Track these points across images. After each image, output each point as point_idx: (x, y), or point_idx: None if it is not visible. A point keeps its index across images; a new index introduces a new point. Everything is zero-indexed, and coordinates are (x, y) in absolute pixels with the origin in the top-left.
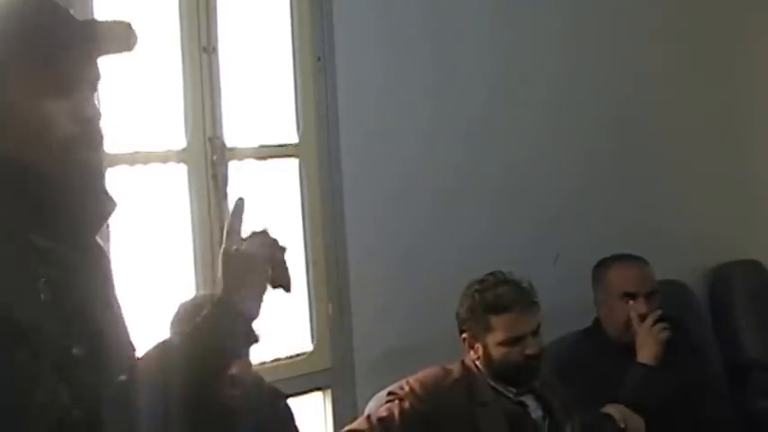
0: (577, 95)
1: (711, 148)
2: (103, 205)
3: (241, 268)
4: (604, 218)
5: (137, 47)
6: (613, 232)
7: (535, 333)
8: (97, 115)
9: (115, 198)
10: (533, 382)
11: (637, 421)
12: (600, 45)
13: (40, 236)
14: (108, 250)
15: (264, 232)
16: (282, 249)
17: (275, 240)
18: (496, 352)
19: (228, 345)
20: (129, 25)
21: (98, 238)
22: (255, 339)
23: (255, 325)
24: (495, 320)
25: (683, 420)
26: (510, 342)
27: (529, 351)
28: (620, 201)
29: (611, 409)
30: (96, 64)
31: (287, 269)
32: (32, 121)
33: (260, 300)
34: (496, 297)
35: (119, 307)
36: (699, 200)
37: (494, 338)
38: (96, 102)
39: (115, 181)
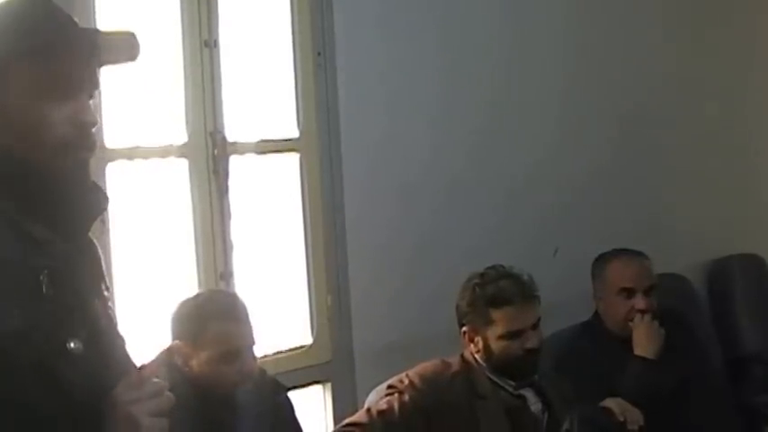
0: (578, 91)
1: (712, 142)
2: (97, 200)
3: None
4: (604, 211)
5: (139, 57)
6: (613, 226)
7: (535, 327)
8: (93, 121)
9: (108, 194)
10: (533, 376)
11: (636, 414)
12: (603, 42)
13: (38, 228)
14: (106, 244)
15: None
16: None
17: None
18: (496, 345)
19: None
20: (132, 35)
21: (91, 234)
22: None
23: None
24: (496, 314)
25: (682, 414)
26: (510, 335)
27: (529, 345)
28: (620, 194)
29: (610, 402)
30: (96, 72)
31: None
32: (30, 121)
33: None
34: (497, 290)
35: (109, 301)
36: (699, 193)
37: (494, 332)
38: (93, 108)
39: (116, 175)
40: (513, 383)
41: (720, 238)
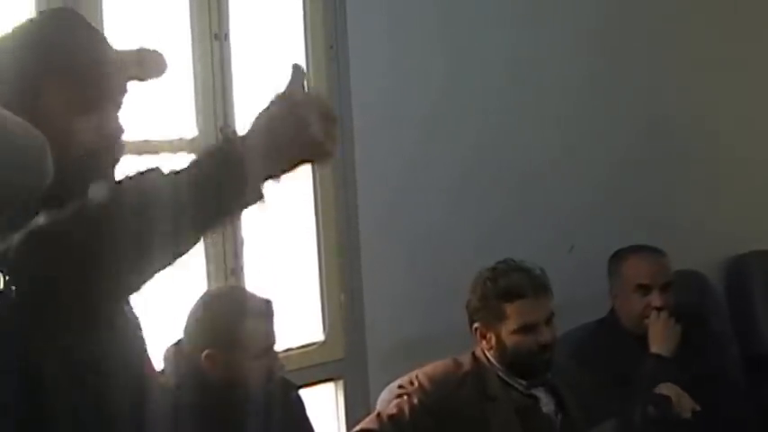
0: (596, 85)
1: (730, 138)
2: None
3: (267, 124)
4: (621, 208)
5: (166, 74)
6: (630, 222)
7: (548, 321)
8: (120, 131)
9: None
10: (546, 375)
11: (689, 401)
12: (622, 39)
13: None
14: None
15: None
16: (333, 119)
17: (326, 108)
18: (510, 341)
19: (226, 191)
20: (160, 54)
21: None
22: (259, 197)
23: (263, 184)
24: (509, 308)
25: (700, 411)
26: (524, 329)
27: (542, 340)
28: (636, 190)
29: (667, 390)
30: (125, 84)
31: (326, 143)
32: (58, 132)
33: (281, 160)
34: (509, 284)
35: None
36: (717, 189)
37: (507, 327)
38: (120, 118)
39: (126, 170)
40: (524, 383)
41: (738, 234)
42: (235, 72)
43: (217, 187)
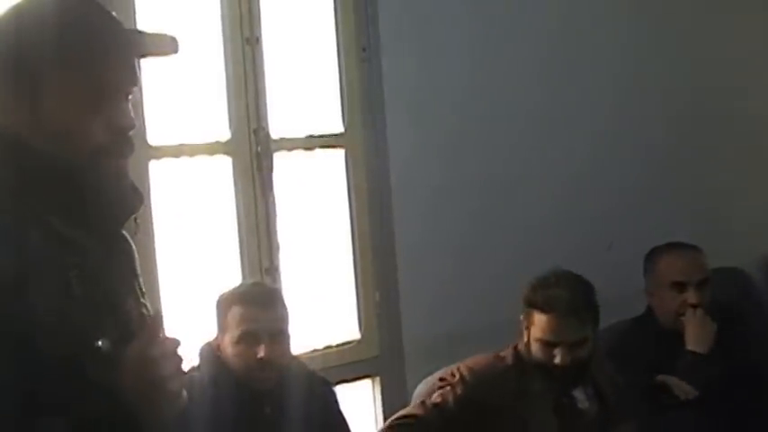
0: (634, 81)
1: None
2: (130, 200)
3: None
4: (660, 204)
5: (178, 52)
6: (669, 218)
7: (574, 345)
8: (130, 125)
9: (141, 194)
10: (568, 389)
11: (686, 386)
12: (654, 37)
13: (69, 228)
14: (147, 243)
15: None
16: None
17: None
18: (533, 345)
19: None
20: (173, 37)
21: (125, 232)
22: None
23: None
24: (537, 317)
25: (738, 408)
26: (544, 342)
27: (556, 360)
28: (676, 186)
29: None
30: (134, 71)
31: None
32: (66, 127)
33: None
34: (543, 297)
35: (142, 299)
36: (758, 184)
37: (533, 332)
38: (130, 110)
39: (160, 173)
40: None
41: None
42: (267, 75)
43: None
